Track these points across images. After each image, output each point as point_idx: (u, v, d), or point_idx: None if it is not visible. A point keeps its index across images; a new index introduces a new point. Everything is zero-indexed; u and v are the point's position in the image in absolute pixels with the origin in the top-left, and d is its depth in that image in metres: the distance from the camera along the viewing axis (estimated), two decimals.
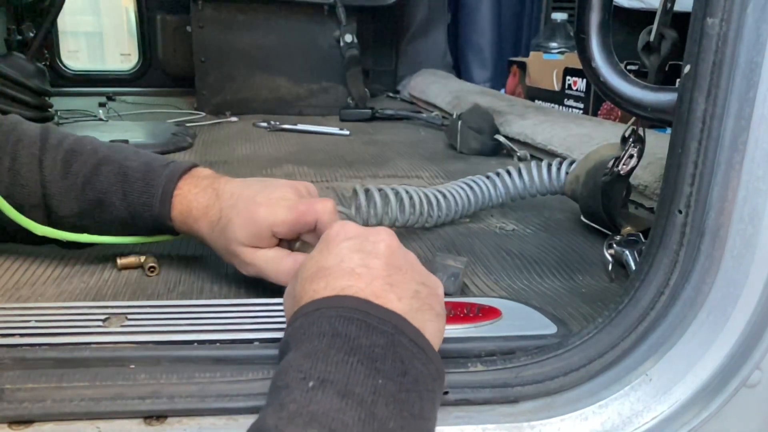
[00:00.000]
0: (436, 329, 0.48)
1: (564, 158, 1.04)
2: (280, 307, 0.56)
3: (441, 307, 0.51)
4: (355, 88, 2.10)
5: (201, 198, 0.69)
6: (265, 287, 0.70)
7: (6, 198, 0.69)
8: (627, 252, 0.78)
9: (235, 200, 0.67)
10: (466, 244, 0.89)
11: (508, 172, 1.00)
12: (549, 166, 1.01)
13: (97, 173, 0.71)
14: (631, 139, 0.83)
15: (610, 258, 0.79)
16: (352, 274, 0.47)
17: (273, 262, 0.66)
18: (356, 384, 0.39)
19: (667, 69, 0.76)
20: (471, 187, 0.98)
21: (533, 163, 1.01)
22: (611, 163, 0.86)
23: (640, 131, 0.82)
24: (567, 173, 1.00)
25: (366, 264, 0.48)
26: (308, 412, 0.36)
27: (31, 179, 0.70)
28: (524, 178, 1.00)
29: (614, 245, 0.80)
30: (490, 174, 1.00)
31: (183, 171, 0.71)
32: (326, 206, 0.65)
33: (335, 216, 0.66)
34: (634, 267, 0.76)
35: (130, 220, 0.71)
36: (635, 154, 0.83)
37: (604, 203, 0.88)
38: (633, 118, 0.81)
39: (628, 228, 0.84)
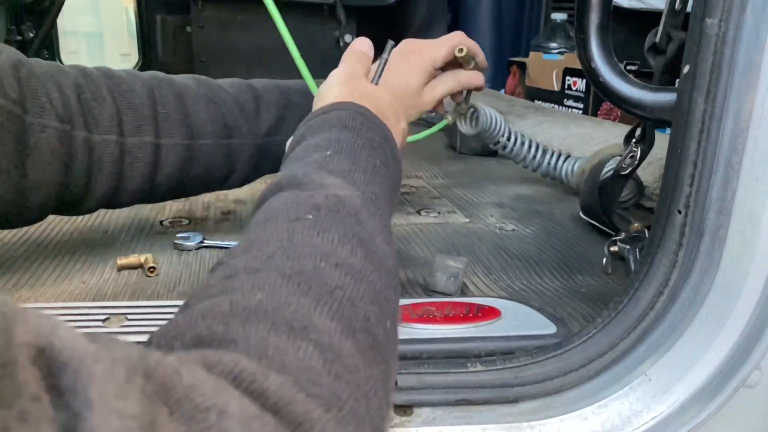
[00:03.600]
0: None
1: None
2: None
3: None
4: None
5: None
6: None
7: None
8: (628, 248, 0.78)
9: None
10: (466, 244, 0.89)
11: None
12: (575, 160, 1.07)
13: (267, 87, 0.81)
14: (633, 140, 0.83)
15: (607, 252, 0.79)
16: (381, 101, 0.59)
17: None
18: (361, 159, 0.48)
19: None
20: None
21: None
22: (616, 162, 0.86)
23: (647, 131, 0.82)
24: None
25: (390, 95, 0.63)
26: (329, 168, 0.45)
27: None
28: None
29: (618, 242, 0.80)
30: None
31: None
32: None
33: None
34: (633, 264, 0.76)
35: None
36: (636, 155, 0.83)
37: (603, 201, 0.88)
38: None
39: (636, 225, 0.84)
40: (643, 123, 0.81)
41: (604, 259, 0.79)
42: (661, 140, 0.78)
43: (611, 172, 0.87)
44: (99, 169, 0.68)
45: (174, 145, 0.72)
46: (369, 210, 0.43)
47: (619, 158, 0.86)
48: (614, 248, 0.80)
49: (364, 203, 0.43)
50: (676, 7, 0.70)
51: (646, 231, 0.80)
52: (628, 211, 0.93)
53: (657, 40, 0.73)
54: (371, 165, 0.48)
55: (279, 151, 0.69)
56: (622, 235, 0.82)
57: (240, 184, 0.82)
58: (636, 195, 0.92)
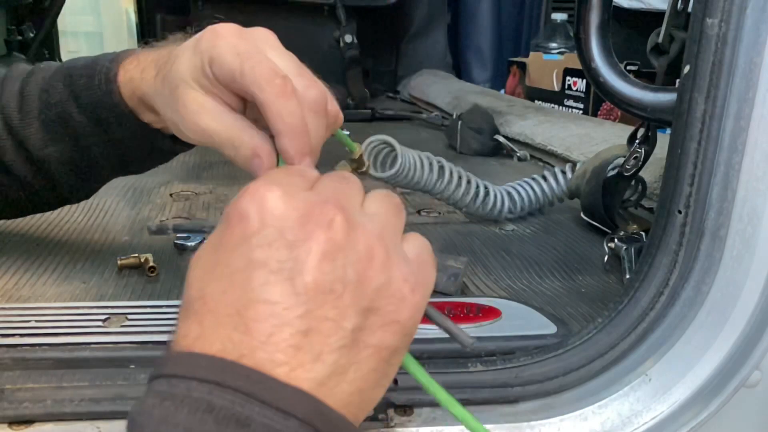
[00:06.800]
0: (382, 381, 0.32)
1: (569, 161, 1.05)
2: None
3: (404, 336, 0.32)
4: (355, 89, 2.10)
5: (151, 55, 0.59)
6: None
7: None
8: (625, 248, 0.78)
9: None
10: (466, 244, 0.89)
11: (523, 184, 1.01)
12: (563, 171, 1.01)
13: (48, 88, 0.65)
14: (636, 141, 0.83)
15: (607, 250, 0.80)
16: (242, 318, 0.29)
17: (207, 109, 0.49)
18: None
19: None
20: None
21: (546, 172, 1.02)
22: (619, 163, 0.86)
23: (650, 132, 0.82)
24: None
25: (272, 296, 0.29)
26: None
27: None
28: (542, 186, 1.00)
29: (615, 240, 0.80)
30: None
31: (127, 53, 0.63)
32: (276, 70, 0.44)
33: (287, 88, 0.44)
34: (627, 263, 0.76)
35: (92, 125, 0.63)
36: (640, 156, 0.83)
37: (605, 202, 0.88)
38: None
39: (635, 227, 0.84)
40: (647, 124, 0.81)
41: (606, 257, 0.79)
42: (661, 140, 0.78)
43: (615, 173, 0.87)
44: None
45: None
46: None
47: (621, 159, 0.86)
48: (611, 244, 0.80)
49: None
50: (678, 7, 0.70)
51: (644, 234, 0.80)
52: (629, 210, 0.93)
53: (659, 40, 0.73)
54: None
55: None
56: (621, 233, 0.82)
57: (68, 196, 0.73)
58: (639, 194, 0.92)
